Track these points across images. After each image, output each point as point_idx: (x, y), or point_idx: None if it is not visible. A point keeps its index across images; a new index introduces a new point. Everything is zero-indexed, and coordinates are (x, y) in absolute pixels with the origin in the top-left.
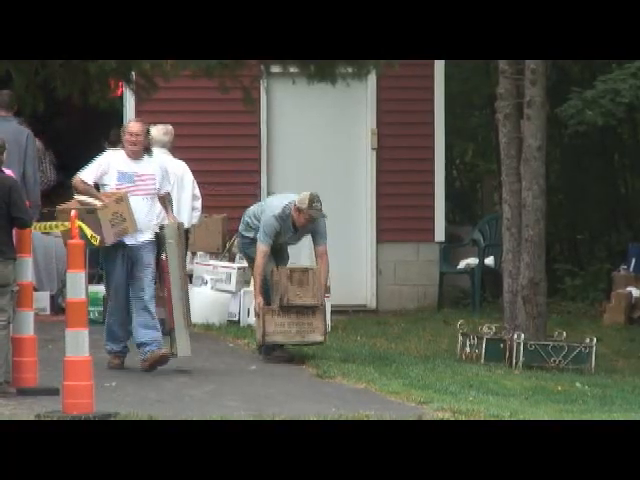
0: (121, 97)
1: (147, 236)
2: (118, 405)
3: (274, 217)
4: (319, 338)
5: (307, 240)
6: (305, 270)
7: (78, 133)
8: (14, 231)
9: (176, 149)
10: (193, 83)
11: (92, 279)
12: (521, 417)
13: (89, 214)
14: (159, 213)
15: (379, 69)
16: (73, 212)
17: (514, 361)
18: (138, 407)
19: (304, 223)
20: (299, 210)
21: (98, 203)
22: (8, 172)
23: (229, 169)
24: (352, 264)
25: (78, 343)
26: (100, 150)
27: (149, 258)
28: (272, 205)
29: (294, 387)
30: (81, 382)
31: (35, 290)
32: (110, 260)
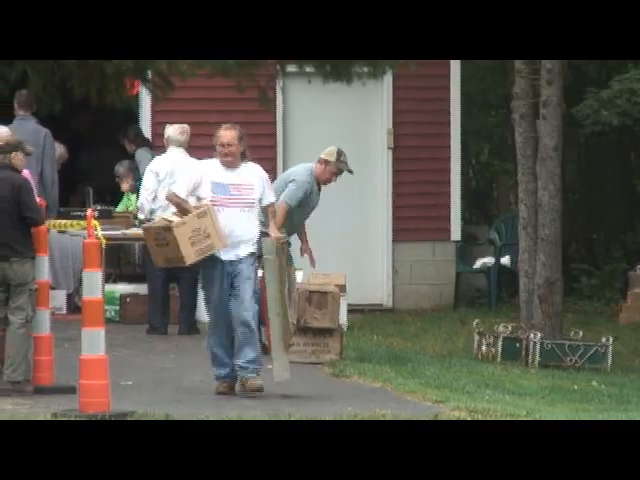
0: (137, 96)
1: (246, 250)
2: (135, 404)
3: (309, 175)
4: (335, 359)
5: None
6: (324, 293)
7: (93, 132)
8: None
9: (192, 148)
10: (209, 83)
11: (108, 278)
12: (537, 416)
13: (167, 232)
14: (258, 226)
15: (395, 69)
16: (89, 211)
17: (530, 360)
18: (155, 406)
19: (329, 178)
20: (326, 163)
21: (176, 220)
22: (25, 172)
23: None
24: (368, 263)
25: (94, 342)
26: (117, 148)
27: (249, 271)
28: (299, 170)
29: (310, 386)
30: (97, 381)
31: (51, 289)
32: (208, 277)
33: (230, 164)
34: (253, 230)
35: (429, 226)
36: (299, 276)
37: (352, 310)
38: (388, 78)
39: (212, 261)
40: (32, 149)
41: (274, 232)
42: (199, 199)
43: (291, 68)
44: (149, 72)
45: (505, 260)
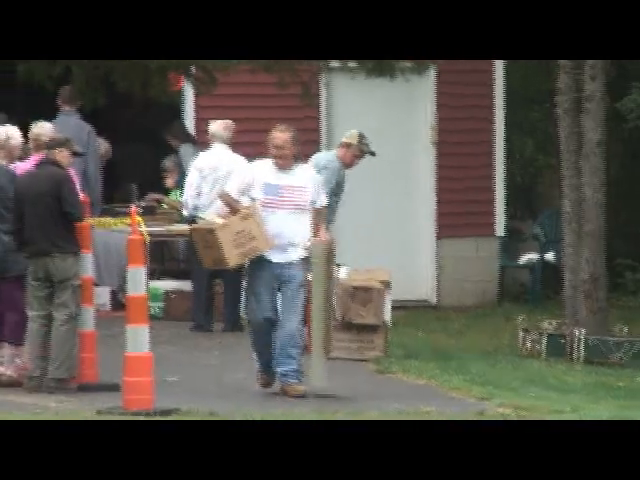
0: (181, 92)
1: (297, 254)
2: (179, 401)
3: (336, 160)
4: (379, 355)
5: None
6: (369, 289)
7: (136, 128)
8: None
9: (235, 144)
10: (252, 78)
11: (152, 274)
12: (582, 413)
13: (210, 234)
14: (309, 229)
15: (438, 64)
16: (133, 207)
17: (575, 356)
18: (199, 403)
19: (352, 161)
20: (348, 146)
21: (220, 222)
22: (70, 171)
23: None
24: (412, 259)
25: (138, 339)
26: (161, 144)
27: (299, 276)
28: (325, 157)
29: (355, 383)
30: (141, 378)
31: (95, 286)
32: (254, 278)
33: (282, 166)
34: (304, 233)
35: (473, 222)
36: (342, 272)
37: (396, 306)
38: (431, 73)
39: (260, 263)
40: (82, 150)
41: (324, 235)
42: (252, 200)
43: (334, 63)
44: (192, 67)
45: (549, 256)
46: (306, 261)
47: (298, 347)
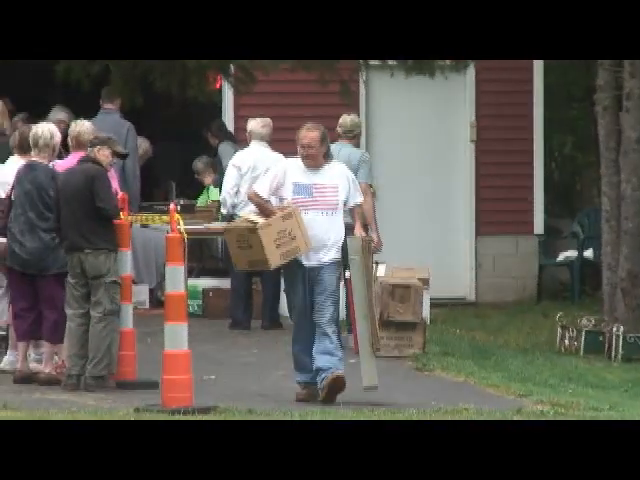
0: (220, 90)
1: (330, 255)
2: (217, 399)
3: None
4: (418, 353)
5: None
6: (407, 286)
7: (175, 127)
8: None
9: (274, 142)
10: (292, 76)
11: (191, 272)
12: (620, 410)
13: (251, 234)
14: (343, 229)
15: (477, 62)
16: (172, 205)
17: (613, 353)
18: (237, 401)
19: None
20: (358, 136)
21: (261, 221)
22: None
23: None
24: (451, 257)
25: (177, 336)
26: (201, 142)
27: (331, 280)
28: (357, 151)
29: (393, 380)
30: (180, 375)
31: (134, 283)
32: (290, 282)
33: (312, 165)
34: (337, 234)
35: (512, 219)
36: (381, 269)
37: (435, 304)
38: (471, 71)
39: (294, 266)
40: (125, 151)
41: (360, 231)
42: (281, 200)
43: (374, 62)
44: (231, 66)
45: (588, 253)
46: (339, 263)
47: (332, 342)
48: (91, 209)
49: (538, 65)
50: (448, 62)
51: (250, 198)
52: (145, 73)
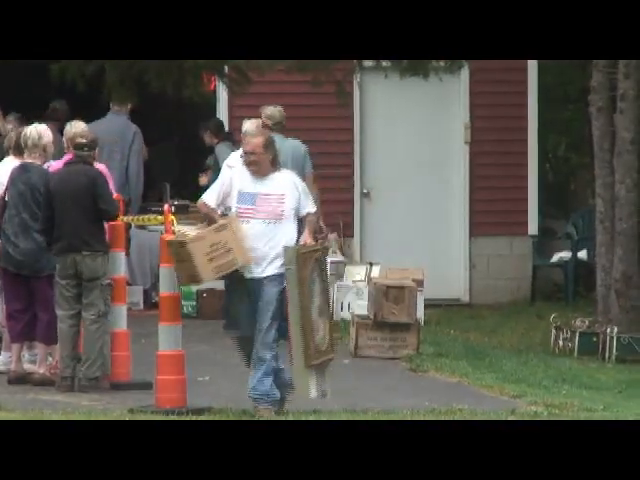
0: (214, 91)
1: (272, 268)
2: (211, 399)
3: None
4: (412, 354)
5: None
6: (401, 287)
7: (169, 128)
8: (107, 225)
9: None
10: (286, 77)
11: None
12: (615, 411)
13: (182, 248)
14: (292, 239)
15: (471, 64)
16: (166, 206)
17: (607, 355)
18: (231, 402)
19: None
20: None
21: (192, 234)
22: (101, 166)
23: (322, 163)
24: (445, 258)
25: (171, 337)
26: (196, 143)
27: (271, 294)
28: (296, 142)
29: (387, 381)
30: (174, 376)
31: (128, 284)
32: (230, 293)
33: (256, 173)
34: (282, 245)
35: (506, 220)
36: (375, 270)
37: (429, 305)
38: (465, 72)
39: (236, 279)
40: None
41: (307, 240)
42: (228, 209)
43: (368, 63)
44: (226, 67)
45: (582, 254)
46: (282, 277)
47: (267, 367)
48: (90, 210)
49: (532, 66)
50: (442, 63)
51: (199, 207)
52: (141, 73)
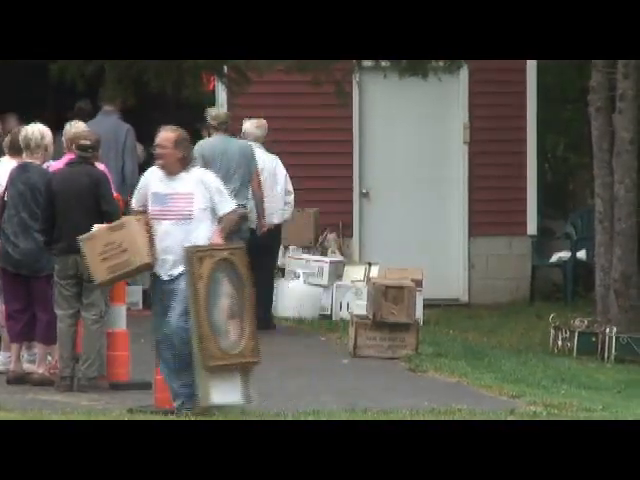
0: (213, 91)
1: (181, 267)
2: None
3: None
4: (411, 354)
5: None
6: (401, 287)
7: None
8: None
9: (269, 143)
10: (286, 77)
11: None
12: (614, 411)
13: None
14: (205, 239)
15: (470, 64)
16: None
17: (606, 355)
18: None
19: None
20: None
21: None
22: (101, 166)
23: (322, 163)
24: (444, 258)
25: None
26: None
27: (182, 293)
28: (244, 142)
29: (387, 381)
30: None
31: (127, 284)
32: (151, 294)
33: (163, 169)
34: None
35: (505, 220)
36: (374, 270)
37: (428, 305)
38: (464, 72)
39: (153, 278)
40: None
41: (217, 239)
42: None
43: (367, 63)
44: (225, 67)
45: (581, 254)
46: None
47: (178, 366)
48: (92, 211)
49: (531, 66)
50: (441, 63)
51: (131, 209)
52: (140, 73)
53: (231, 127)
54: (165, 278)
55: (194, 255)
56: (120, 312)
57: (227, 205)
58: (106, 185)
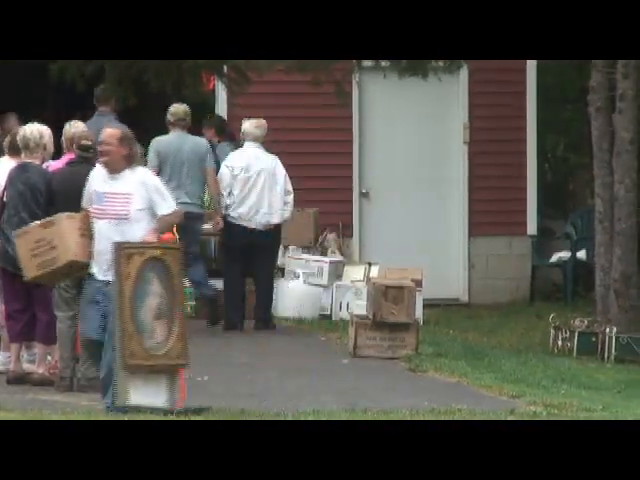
0: (213, 91)
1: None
2: (210, 399)
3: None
4: (411, 354)
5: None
6: (401, 287)
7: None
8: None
9: (268, 143)
10: (285, 77)
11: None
12: (614, 411)
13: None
14: (140, 238)
15: (470, 64)
16: None
17: (606, 355)
18: (230, 401)
19: None
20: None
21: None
22: None
23: (322, 163)
24: (444, 258)
25: None
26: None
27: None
28: (200, 139)
29: (386, 381)
30: None
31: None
32: (84, 294)
33: (107, 166)
34: None
35: (505, 220)
36: (374, 270)
37: (428, 305)
38: (464, 72)
39: (89, 278)
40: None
41: (150, 238)
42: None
43: (367, 63)
44: (225, 67)
45: (581, 254)
46: None
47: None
48: None
49: (531, 66)
50: (441, 63)
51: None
52: (140, 73)
53: (231, 127)
54: (100, 278)
55: (121, 252)
56: None
57: (166, 206)
58: None
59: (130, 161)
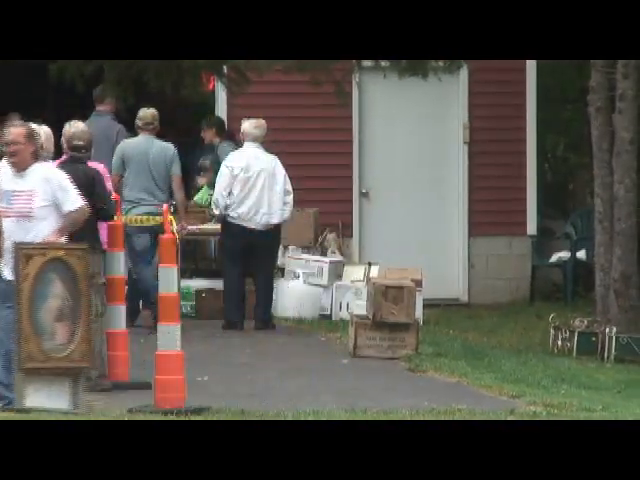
0: (213, 91)
1: None
2: (210, 399)
3: None
4: (411, 354)
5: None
6: (400, 287)
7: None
8: (105, 225)
9: (268, 143)
10: (285, 77)
11: (184, 273)
12: (613, 411)
13: None
14: (45, 236)
15: (470, 64)
16: (165, 206)
17: (606, 355)
18: (230, 401)
19: None
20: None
21: None
22: (99, 166)
23: (321, 163)
24: (444, 258)
25: (170, 337)
26: (195, 142)
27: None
28: (168, 144)
29: (386, 381)
30: (173, 376)
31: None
32: None
33: (15, 166)
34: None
35: (505, 220)
36: (374, 270)
37: (428, 305)
38: (464, 72)
39: None
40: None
41: (54, 237)
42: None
43: (367, 63)
44: (225, 67)
45: (581, 254)
46: None
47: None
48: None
49: (531, 66)
50: (441, 63)
51: None
52: (140, 73)
53: (230, 127)
54: (8, 278)
55: (20, 252)
56: (120, 312)
57: (71, 203)
58: (101, 183)
59: (36, 156)
